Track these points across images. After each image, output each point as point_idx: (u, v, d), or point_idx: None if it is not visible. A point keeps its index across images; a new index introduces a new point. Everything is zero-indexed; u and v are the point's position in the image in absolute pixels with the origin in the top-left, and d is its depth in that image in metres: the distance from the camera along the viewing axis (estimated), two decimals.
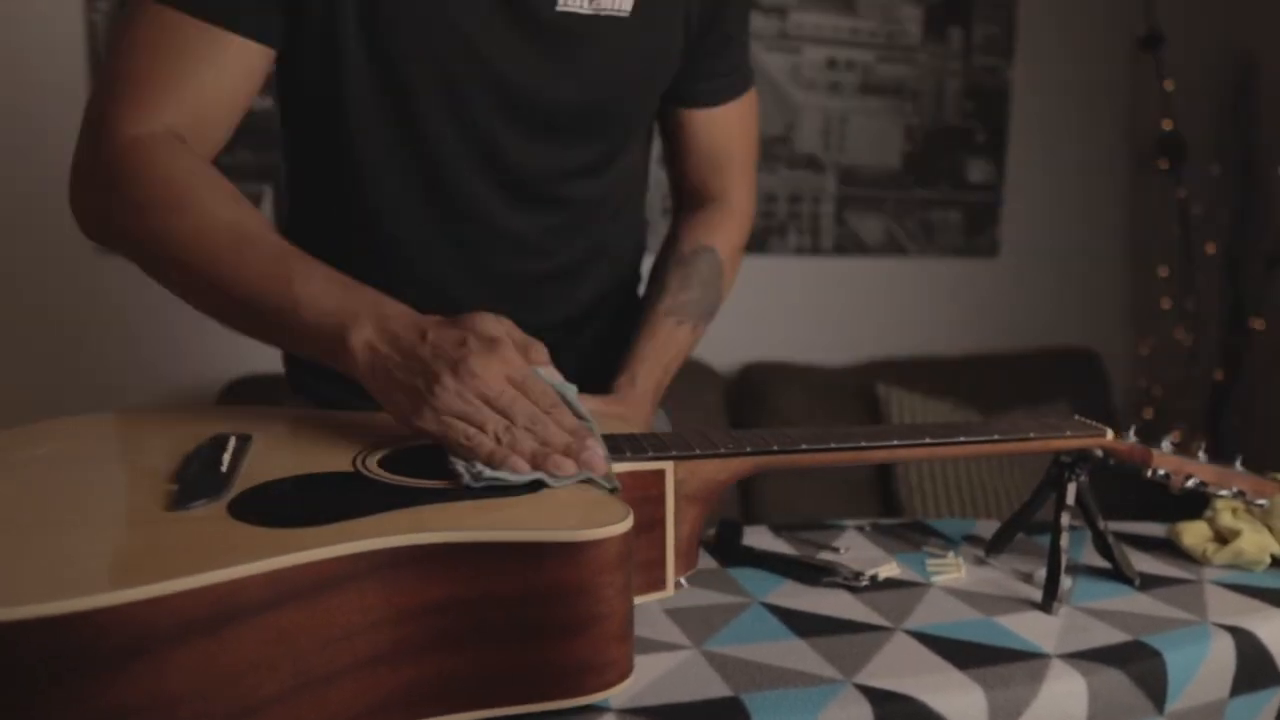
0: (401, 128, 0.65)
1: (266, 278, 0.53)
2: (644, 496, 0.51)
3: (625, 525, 0.43)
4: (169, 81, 0.57)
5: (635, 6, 0.67)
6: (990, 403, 1.87)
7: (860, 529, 0.72)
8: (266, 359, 1.65)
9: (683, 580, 0.57)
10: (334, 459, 0.50)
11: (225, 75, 0.59)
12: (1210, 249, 2.14)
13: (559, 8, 0.64)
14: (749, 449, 0.55)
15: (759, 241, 1.87)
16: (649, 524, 0.51)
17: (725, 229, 0.80)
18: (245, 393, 1.52)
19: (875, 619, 0.56)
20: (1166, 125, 2.11)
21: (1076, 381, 2.03)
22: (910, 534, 0.71)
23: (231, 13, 0.58)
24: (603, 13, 0.66)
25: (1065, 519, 0.61)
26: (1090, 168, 2.16)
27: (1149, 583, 0.63)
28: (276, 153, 1.56)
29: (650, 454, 0.52)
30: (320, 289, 0.52)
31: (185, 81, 0.58)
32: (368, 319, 0.50)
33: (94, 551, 0.40)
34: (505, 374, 0.48)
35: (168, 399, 1.60)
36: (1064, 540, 0.59)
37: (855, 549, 0.67)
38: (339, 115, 0.64)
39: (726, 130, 0.79)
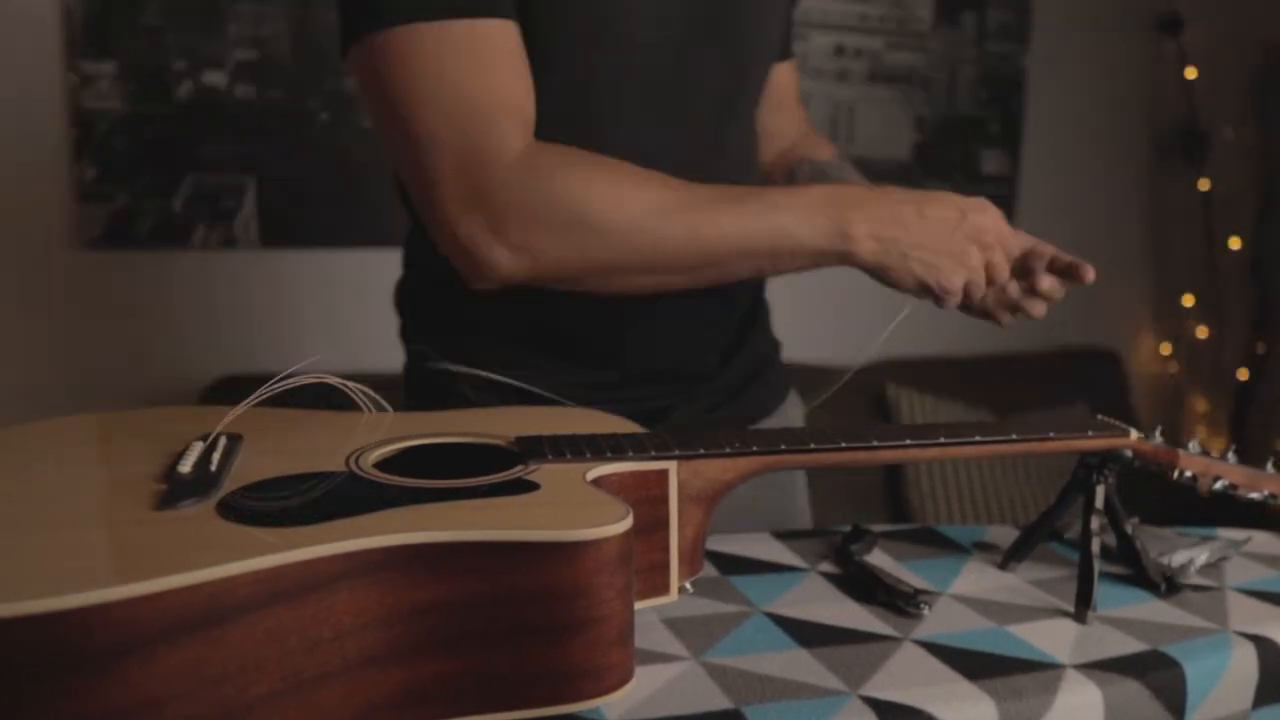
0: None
1: (747, 221, 0.60)
2: (646, 497, 0.49)
3: (624, 525, 0.42)
4: (496, 89, 0.58)
5: None
6: (1005, 404, 1.84)
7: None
8: (249, 359, 1.65)
9: (688, 585, 0.55)
10: (326, 458, 0.50)
11: (520, 59, 0.61)
12: (1234, 243, 2.10)
13: None
14: (755, 448, 0.53)
15: None
16: (652, 526, 0.50)
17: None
18: (228, 393, 1.52)
19: (882, 628, 0.54)
20: (1188, 114, 2.07)
21: (1094, 382, 2.00)
22: (919, 541, 0.69)
23: (490, 4, 0.59)
24: None
25: (1095, 524, 0.59)
26: (1109, 159, 2.12)
27: (1167, 589, 0.61)
28: (259, 144, 1.54)
29: (653, 453, 0.50)
30: (801, 206, 0.61)
31: (505, 82, 0.59)
32: (857, 216, 0.62)
33: (80, 550, 0.39)
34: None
35: (149, 399, 1.59)
36: (1095, 546, 0.58)
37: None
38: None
39: (793, 78, 0.86)
